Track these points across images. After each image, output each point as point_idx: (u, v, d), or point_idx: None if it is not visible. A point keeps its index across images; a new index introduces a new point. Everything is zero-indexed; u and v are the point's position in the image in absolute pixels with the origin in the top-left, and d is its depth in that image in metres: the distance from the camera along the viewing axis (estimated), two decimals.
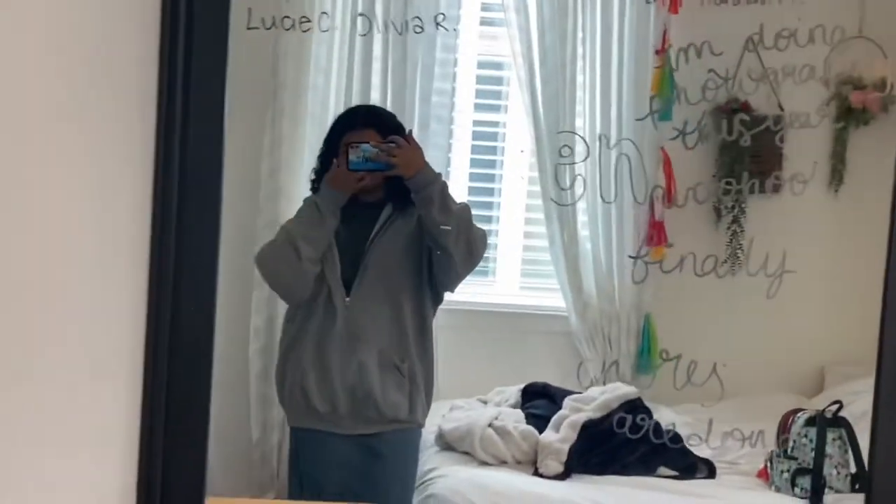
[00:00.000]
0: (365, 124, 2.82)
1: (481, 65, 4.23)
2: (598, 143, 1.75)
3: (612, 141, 1.79)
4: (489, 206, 4.32)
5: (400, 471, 2.91)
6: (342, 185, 2.76)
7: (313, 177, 2.92)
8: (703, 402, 2.55)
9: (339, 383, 2.79)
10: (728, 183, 3.86)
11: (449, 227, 2.71)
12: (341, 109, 3.82)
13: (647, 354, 4.02)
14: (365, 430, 2.82)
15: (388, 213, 2.82)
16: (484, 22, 4.23)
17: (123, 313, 1.37)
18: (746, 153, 3.91)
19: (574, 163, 2.79)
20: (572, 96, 3.87)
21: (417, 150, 2.77)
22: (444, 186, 2.76)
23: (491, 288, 4.39)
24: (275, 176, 3.78)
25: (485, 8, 4.20)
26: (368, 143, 2.72)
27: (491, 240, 4.29)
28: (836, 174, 4.14)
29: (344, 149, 2.76)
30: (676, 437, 3.04)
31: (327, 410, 2.80)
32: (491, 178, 4.33)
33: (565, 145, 3.32)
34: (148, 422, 1.37)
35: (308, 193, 2.94)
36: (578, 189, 3.43)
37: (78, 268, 1.36)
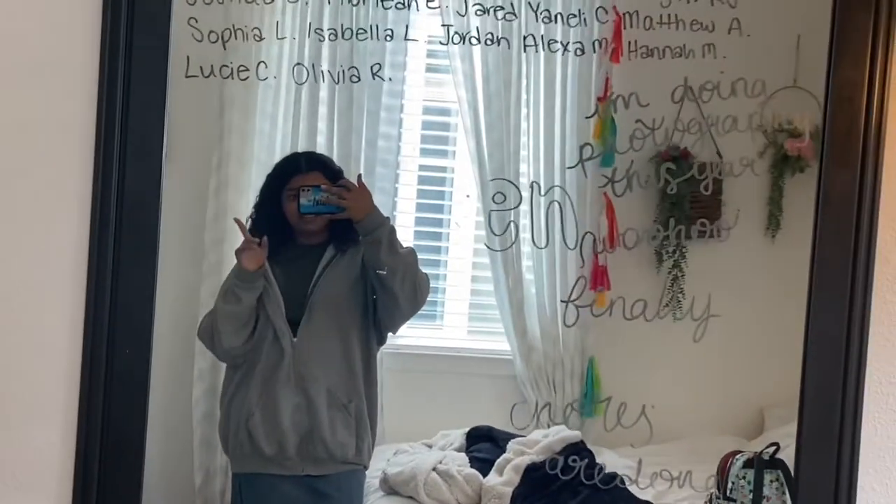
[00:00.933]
0: (310, 168, 2.91)
1: (428, 110, 4.27)
2: (531, 191, 1.81)
3: (544, 188, 1.84)
4: (437, 250, 4.35)
5: None
6: (251, 261, 2.81)
7: (250, 225, 2.99)
8: (632, 444, 2.59)
9: (286, 423, 2.82)
10: (664, 227, 3.96)
11: (395, 269, 2.76)
12: (287, 154, 3.85)
13: (590, 398, 4.06)
14: (313, 470, 2.85)
15: (330, 254, 2.89)
16: (430, 69, 4.28)
17: (59, 356, 1.38)
18: (685, 199, 3.99)
19: (508, 209, 2.88)
20: (517, 143, 3.93)
21: (367, 194, 2.88)
22: (392, 230, 2.84)
23: (439, 332, 4.41)
24: (220, 220, 3.78)
25: (430, 55, 4.25)
26: (320, 186, 2.80)
27: (439, 284, 4.33)
28: (773, 220, 4.23)
29: (294, 192, 2.83)
30: (607, 478, 3.08)
31: (274, 452, 2.82)
32: (438, 222, 4.37)
33: (499, 192, 3.40)
34: (82, 464, 1.37)
35: None
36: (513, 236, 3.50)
37: (14, 306, 1.37)
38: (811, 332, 1.40)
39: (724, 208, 4.19)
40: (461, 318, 4.43)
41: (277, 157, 3.83)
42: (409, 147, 4.20)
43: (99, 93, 1.36)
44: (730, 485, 3.35)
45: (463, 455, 3.56)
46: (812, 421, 1.41)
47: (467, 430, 3.69)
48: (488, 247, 3.82)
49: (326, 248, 2.92)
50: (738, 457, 3.39)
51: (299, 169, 2.95)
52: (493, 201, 3.06)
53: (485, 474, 3.40)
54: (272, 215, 2.96)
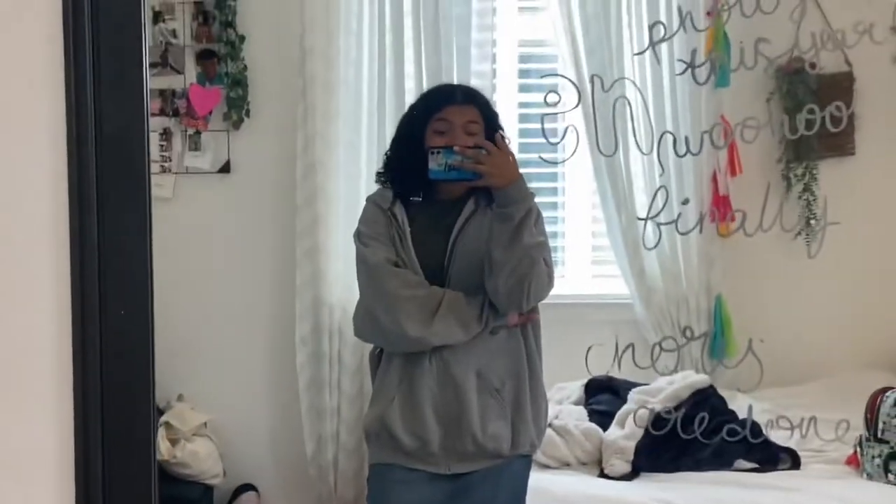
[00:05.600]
0: (466, 101, 2.39)
1: (523, 43, 3.99)
2: (591, 86, 1.49)
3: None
4: (554, 191, 4.07)
5: None
6: None
7: (382, 168, 2.49)
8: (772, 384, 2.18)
9: (428, 413, 2.36)
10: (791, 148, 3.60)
11: (506, 262, 2.28)
12: (374, 102, 3.63)
13: (720, 338, 3.74)
14: (460, 468, 2.39)
15: (470, 209, 2.40)
16: (523, 9, 4.00)
17: (45, 323, 1.19)
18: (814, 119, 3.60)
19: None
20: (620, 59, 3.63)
21: (510, 158, 2.30)
22: (530, 211, 2.29)
23: (560, 280, 4.11)
24: (310, 176, 3.60)
25: None
26: (452, 148, 2.29)
27: (558, 228, 4.04)
28: None
29: (444, 126, 2.35)
30: (755, 428, 2.77)
31: (415, 446, 2.38)
32: (552, 163, 4.06)
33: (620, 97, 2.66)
34: (82, 457, 1.17)
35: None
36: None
37: None
38: None
39: (858, 122, 3.80)
40: (584, 262, 4.14)
41: (365, 106, 3.63)
42: (505, 83, 3.93)
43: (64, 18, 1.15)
44: (881, 425, 3.01)
45: (581, 408, 3.31)
46: None
47: (585, 381, 3.43)
48: (602, 152, 3.41)
49: (467, 202, 2.40)
50: (889, 393, 3.04)
51: (453, 99, 2.39)
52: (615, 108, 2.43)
53: (605, 428, 3.14)
54: (412, 152, 2.40)
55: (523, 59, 3.99)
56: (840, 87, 3.73)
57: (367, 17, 3.60)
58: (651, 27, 1.54)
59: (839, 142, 3.77)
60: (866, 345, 3.83)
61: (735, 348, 3.74)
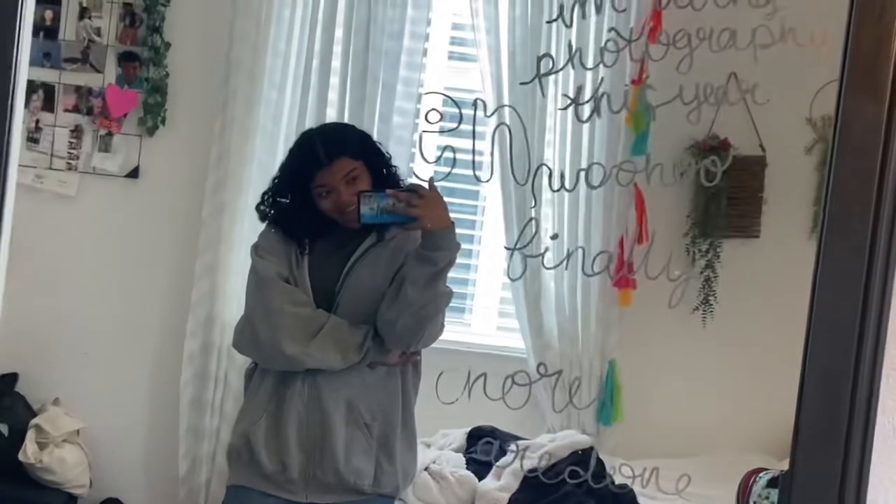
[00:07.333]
0: (332, 158, 2.35)
1: (449, 89, 4.01)
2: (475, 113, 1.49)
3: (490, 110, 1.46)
4: (470, 239, 4.06)
5: None
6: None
7: (264, 206, 2.47)
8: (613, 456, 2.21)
9: (292, 438, 2.34)
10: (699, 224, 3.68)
11: (413, 303, 2.29)
12: (294, 125, 3.59)
13: (609, 403, 3.76)
14: (318, 498, 2.38)
15: (370, 241, 2.40)
16: (453, 56, 4.02)
17: None
18: (722, 195, 3.68)
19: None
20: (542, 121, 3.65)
21: (441, 202, 2.29)
22: (451, 263, 2.30)
23: (467, 328, 4.11)
24: (220, 191, 3.54)
25: (454, 41, 3.99)
26: (384, 191, 2.26)
27: (470, 276, 4.03)
28: (819, 222, 3.88)
29: (325, 190, 2.35)
30: (625, 489, 2.77)
31: (275, 469, 2.36)
32: (473, 209, 4.07)
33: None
34: None
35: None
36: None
37: None
38: (817, 307, 1.11)
39: (766, 207, 3.88)
40: (491, 313, 4.14)
41: (284, 127, 3.60)
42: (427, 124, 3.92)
43: None
44: None
45: (459, 456, 3.27)
46: (813, 419, 1.12)
47: (469, 429, 3.40)
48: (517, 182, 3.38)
49: (369, 234, 2.40)
50: (761, 475, 3.07)
51: (320, 163, 2.35)
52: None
53: (482, 477, 3.11)
54: (304, 215, 2.40)
55: (448, 104, 4.00)
56: (751, 170, 3.81)
57: (297, 40, 3.58)
58: (539, 59, 1.54)
59: (745, 223, 3.84)
60: (749, 426, 3.86)
61: (622, 415, 3.76)
